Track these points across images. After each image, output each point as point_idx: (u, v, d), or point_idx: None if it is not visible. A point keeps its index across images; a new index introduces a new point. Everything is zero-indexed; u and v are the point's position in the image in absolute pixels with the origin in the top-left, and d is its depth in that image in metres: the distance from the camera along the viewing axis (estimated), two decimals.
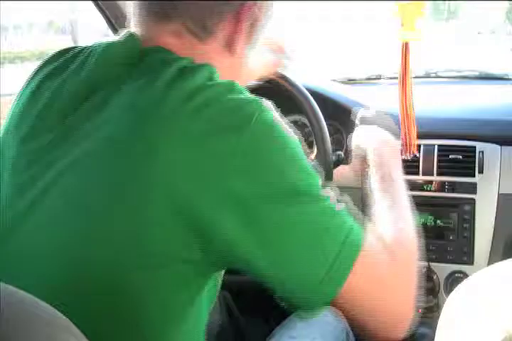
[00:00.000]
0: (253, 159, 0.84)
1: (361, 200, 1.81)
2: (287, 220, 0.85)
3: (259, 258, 0.85)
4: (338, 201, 0.91)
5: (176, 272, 0.86)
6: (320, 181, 0.91)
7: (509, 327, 0.55)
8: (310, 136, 1.92)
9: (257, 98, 0.91)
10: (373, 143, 1.34)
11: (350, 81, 2.27)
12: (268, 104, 0.92)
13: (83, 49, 1.03)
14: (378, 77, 2.27)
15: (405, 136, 1.47)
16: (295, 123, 1.98)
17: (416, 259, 1.01)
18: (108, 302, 0.85)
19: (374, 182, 1.19)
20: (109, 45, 1.00)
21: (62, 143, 0.92)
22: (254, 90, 1.73)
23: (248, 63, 1.10)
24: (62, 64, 1.03)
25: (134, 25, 1.03)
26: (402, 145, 1.48)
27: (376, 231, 0.98)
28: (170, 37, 0.99)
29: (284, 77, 1.50)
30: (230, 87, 0.90)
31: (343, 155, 1.71)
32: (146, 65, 0.94)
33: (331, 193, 0.91)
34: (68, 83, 0.97)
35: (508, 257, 0.69)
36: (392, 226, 1.02)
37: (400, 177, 1.22)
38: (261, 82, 1.54)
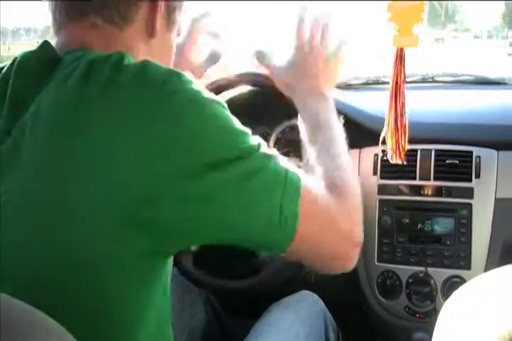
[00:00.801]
0: (185, 136, 0.86)
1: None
2: (230, 184, 0.88)
3: (212, 223, 0.90)
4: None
5: (132, 265, 0.89)
6: (250, 137, 0.95)
7: (506, 332, 0.55)
8: None
9: (171, 74, 0.91)
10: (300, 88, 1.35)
11: (348, 86, 2.27)
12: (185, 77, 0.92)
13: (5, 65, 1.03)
14: (376, 82, 2.27)
15: (397, 142, 1.46)
16: (293, 127, 1.98)
17: (355, 195, 1.09)
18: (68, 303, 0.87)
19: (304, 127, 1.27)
20: (23, 57, 0.99)
21: None
22: (255, 95, 1.74)
23: (170, 44, 1.13)
24: None
25: (53, 29, 1.04)
26: (393, 150, 1.48)
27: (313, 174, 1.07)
28: (88, 32, 1.00)
29: None
30: (139, 71, 0.89)
31: None
32: (60, 69, 0.93)
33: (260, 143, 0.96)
34: None
35: (505, 262, 0.69)
36: (326, 167, 1.11)
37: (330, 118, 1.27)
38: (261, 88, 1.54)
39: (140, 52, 1.03)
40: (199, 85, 0.92)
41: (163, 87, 0.87)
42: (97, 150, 0.84)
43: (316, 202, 0.98)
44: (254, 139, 0.95)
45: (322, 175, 1.09)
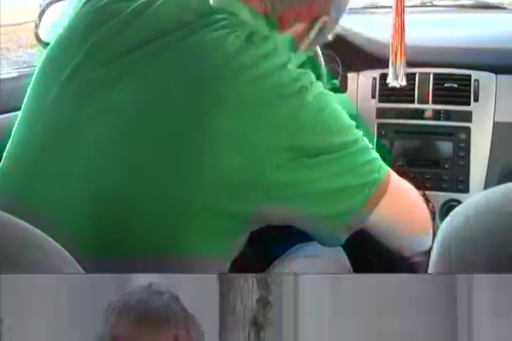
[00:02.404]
0: (311, 120, 0.98)
1: None
2: (337, 163, 1.01)
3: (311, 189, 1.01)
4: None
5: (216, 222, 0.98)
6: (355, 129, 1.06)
7: (503, 246, 0.56)
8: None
9: (309, 70, 1.02)
10: None
11: None
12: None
13: None
14: (374, 6, 2.24)
15: (396, 63, 1.45)
16: None
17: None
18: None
19: None
20: None
21: (121, 77, 0.98)
22: None
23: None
24: None
25: None
26: (394, 73, 1.47)
27: None
28: None
29: None
30: (288, 60, 0.99)
31: (338, 84, 1.71)
32: (218, 20, 1.00)
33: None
34: (137, 20, 1.02)
35: None
36: None
37: None
38: None
39: None
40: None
41: (306, 87, 0.98)
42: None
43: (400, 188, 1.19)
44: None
45: None
